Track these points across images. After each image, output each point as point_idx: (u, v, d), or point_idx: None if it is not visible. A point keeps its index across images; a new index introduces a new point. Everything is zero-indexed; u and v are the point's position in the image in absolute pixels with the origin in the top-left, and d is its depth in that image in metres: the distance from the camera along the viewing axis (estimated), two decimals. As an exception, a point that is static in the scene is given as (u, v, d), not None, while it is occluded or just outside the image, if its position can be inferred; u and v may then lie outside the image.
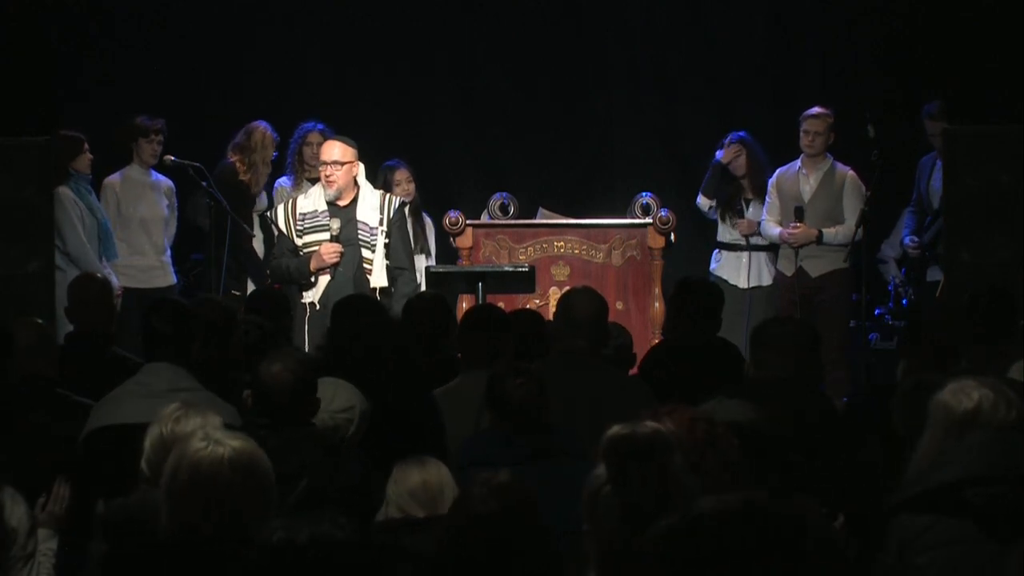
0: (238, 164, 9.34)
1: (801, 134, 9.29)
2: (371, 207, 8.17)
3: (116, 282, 8.66)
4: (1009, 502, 3.41)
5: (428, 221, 9.63)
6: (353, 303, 6.17)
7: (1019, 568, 3.16)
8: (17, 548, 4.55)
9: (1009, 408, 3.68)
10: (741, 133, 9.55)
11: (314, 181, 9.16)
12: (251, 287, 9.14)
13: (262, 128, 9.40)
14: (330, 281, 8.09)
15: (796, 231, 9.18)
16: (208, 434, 3.56)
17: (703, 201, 9.61)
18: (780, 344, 5.20)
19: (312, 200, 8.25)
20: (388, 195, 8.33)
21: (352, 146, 8.21)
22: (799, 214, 9.19)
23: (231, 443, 3.50)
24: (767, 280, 9.43)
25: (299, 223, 8.20)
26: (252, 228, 9.42)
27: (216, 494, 3.43)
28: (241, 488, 3.44)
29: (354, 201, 8.19)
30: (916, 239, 9.33)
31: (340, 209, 8.17)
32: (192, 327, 5.54)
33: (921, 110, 9.34)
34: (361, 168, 8.27)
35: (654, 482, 3.44)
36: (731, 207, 9.52)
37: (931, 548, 3.44)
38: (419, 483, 4.41)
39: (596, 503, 3.54)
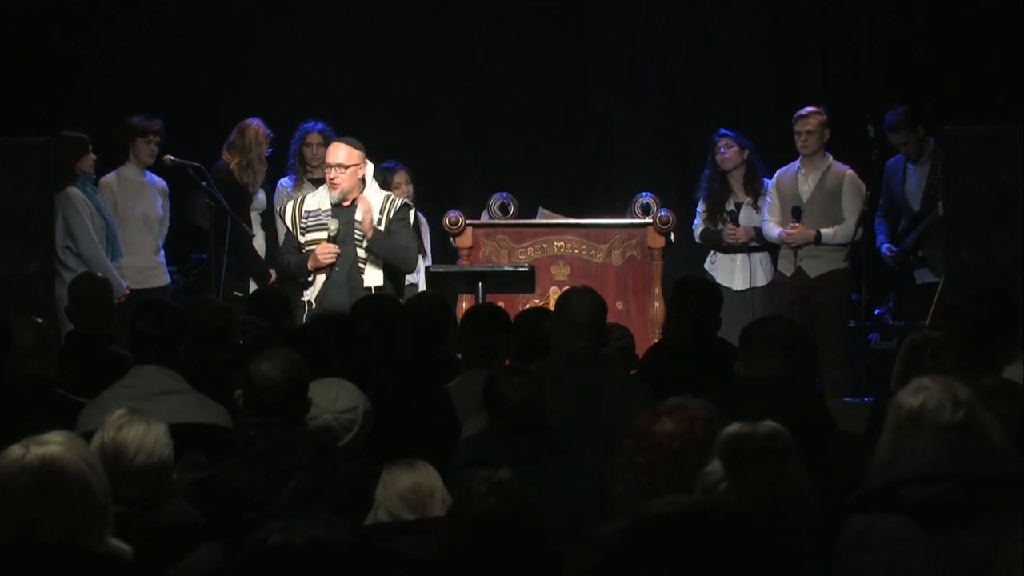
0: (234, 164, 9.33)
1: (795, 135, 9.29)
2: (372, 206, 8.16)
3: (124, 283, 8.66)
4: (945, 499, 3.40)
5: (423, 220, 9.62)
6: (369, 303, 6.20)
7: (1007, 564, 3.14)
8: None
9: (956, 409, 3.64)
10: (732, 135, 9.49)
11: (315, 181, 9.17)
12: (253, 287, 9.13)
13: (254, 125, 9.37)
14: (326, 280, 8.10)
15: (794, 231, 9.17)
16: (33, 438, 3.31)
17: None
18: (769, 344, 5.19)
19: (318, 199, 8.25)
20: (391, 196, 8.32)
21: (359, 148, 8.17)
22: (797, 214, 9.18)
23: (39, 450, 3.26)
24: (761, 281, 9.39)
25: (303, 221, 8.20)
26: (251, 227, 9.41)
27: (11, 501, 3.24)
28: (38, 497, 3.22)
29: (356, 201, 8.18)
30: (894, 248, 9.29)
31: (342, 209, 8.16)
32: (181, 328, 5.53)
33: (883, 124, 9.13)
34: (370, 167, 8.26)
35: (769, 483, 3.41)
36: (720, 210, 9.48)
37: (872, 548, 3.43)
38: (409, 486, 4.38)
39: None
